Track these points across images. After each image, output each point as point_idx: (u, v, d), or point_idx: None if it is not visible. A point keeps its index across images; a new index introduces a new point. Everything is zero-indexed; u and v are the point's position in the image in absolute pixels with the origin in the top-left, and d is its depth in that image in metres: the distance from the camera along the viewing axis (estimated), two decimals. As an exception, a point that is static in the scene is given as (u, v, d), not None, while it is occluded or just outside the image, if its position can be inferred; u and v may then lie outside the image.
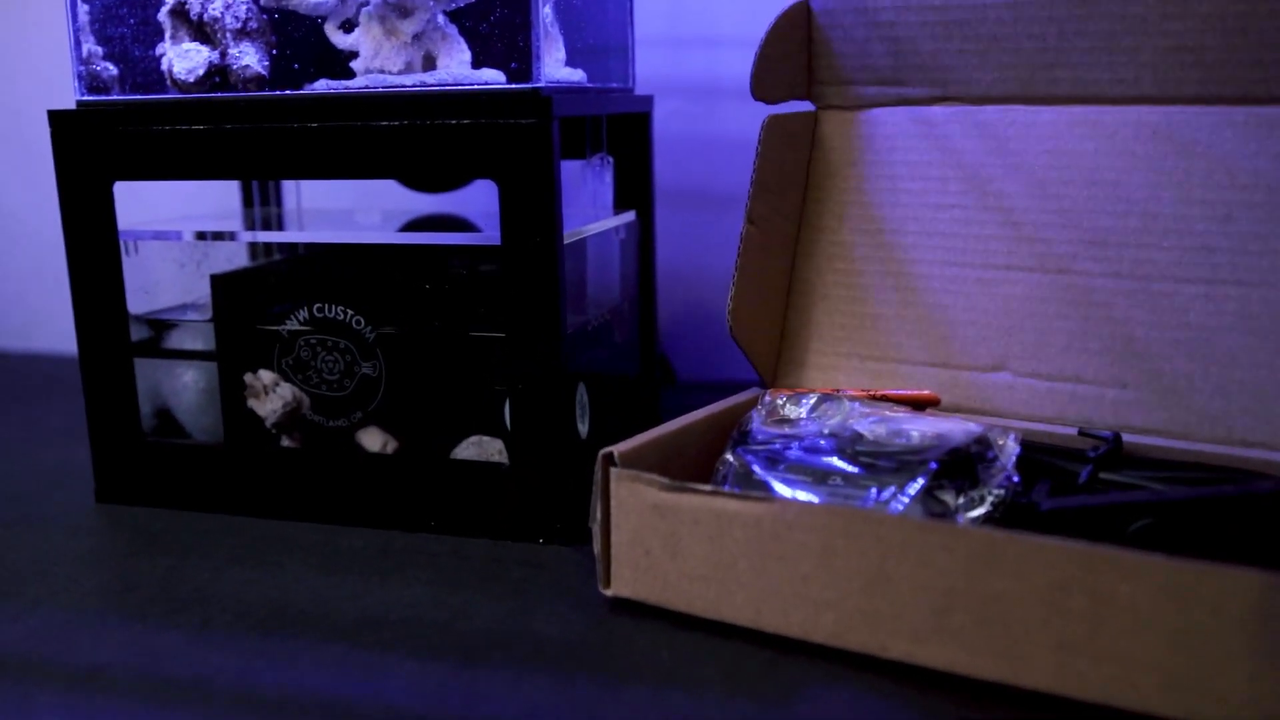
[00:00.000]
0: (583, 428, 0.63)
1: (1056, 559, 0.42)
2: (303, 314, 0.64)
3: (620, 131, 0.72)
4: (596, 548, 0.52)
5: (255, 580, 0.57)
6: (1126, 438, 0.56)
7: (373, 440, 0.65)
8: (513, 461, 0.60)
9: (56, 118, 0.64)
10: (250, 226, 0.76)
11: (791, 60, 0.66)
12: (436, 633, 0.51)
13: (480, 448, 0.64)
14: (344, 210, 0.85)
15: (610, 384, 0.69)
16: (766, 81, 0.65)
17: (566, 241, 0.58)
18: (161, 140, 0.62)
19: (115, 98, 0.65)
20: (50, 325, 1.10)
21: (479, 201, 0.87)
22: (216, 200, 0.94)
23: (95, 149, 0.63)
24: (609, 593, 0.52)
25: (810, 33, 0.67)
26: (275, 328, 0.64)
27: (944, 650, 0.44)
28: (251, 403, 0.65)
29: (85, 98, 0.65)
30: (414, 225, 0.75)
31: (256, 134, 0.61)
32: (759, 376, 0.66)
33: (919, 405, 0.60)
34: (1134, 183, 0.59)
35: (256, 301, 0.65)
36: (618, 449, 0.52)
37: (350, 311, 0.63)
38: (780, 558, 0.47)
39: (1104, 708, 0.42)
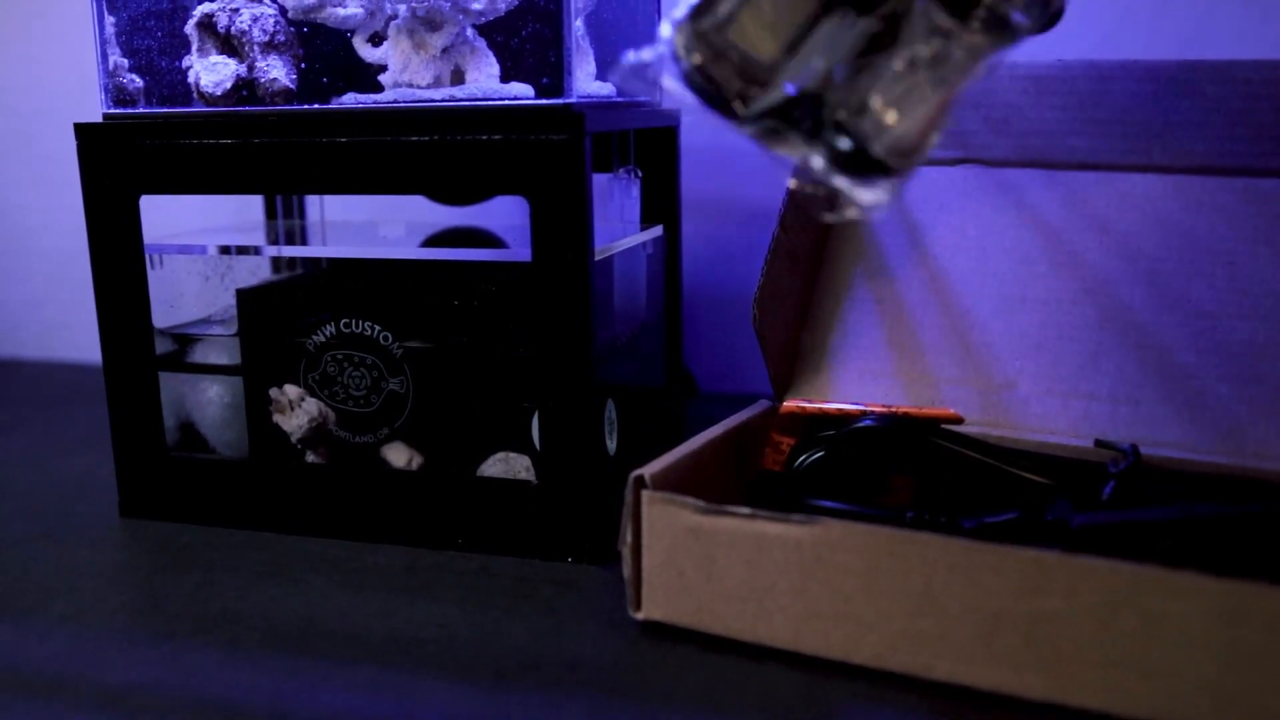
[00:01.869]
0: (611, 444, 0.63)
1: (1107, 579, 0.42)
2: (330, 329, 0.63)
3: (648, 145, 0.72)
4: (626, 571, 0.52)
5: (282, 597, 0.56)
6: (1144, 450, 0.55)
7: (398, 456, 0.65)
8: (541, 479, 0.60)
9: (83, 131, 0.64)
10: (274, 239, 0.76)
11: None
12: (468, 653, 0.50)
13: (507, 464, 0.63)
14: (367, 222, 0.85)
15: (637, 398, 0.69)
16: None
17: (597, 258, 0.58)
18: (188, 154, 0.62)
19: (142, 110, 0.65)
20: (68, 335, 1.10)
21: (502, 214, 0.86)
22: (237, 211, 0.93)
23: (122, 162, 0.63)
24: (640, 616, 0.52)
25: None
26: (301, 341, 0.64)
27: (991, 670, 0.44)
28: (277, 418, 0.65)
29: (112, 110, 0.65)
30: (438, 238, 0.75)
31: (285, 148, 0.60)
32: (770, 376, 0.65)
33: (941, 423, 0.59)
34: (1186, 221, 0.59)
35: (283, 316, 0.65)
36: (648, 471, 0.51)
37: (378, 327, 0.63)
38: (821, 579, 0.47)
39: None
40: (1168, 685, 0.41)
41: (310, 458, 0.66)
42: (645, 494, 0.51)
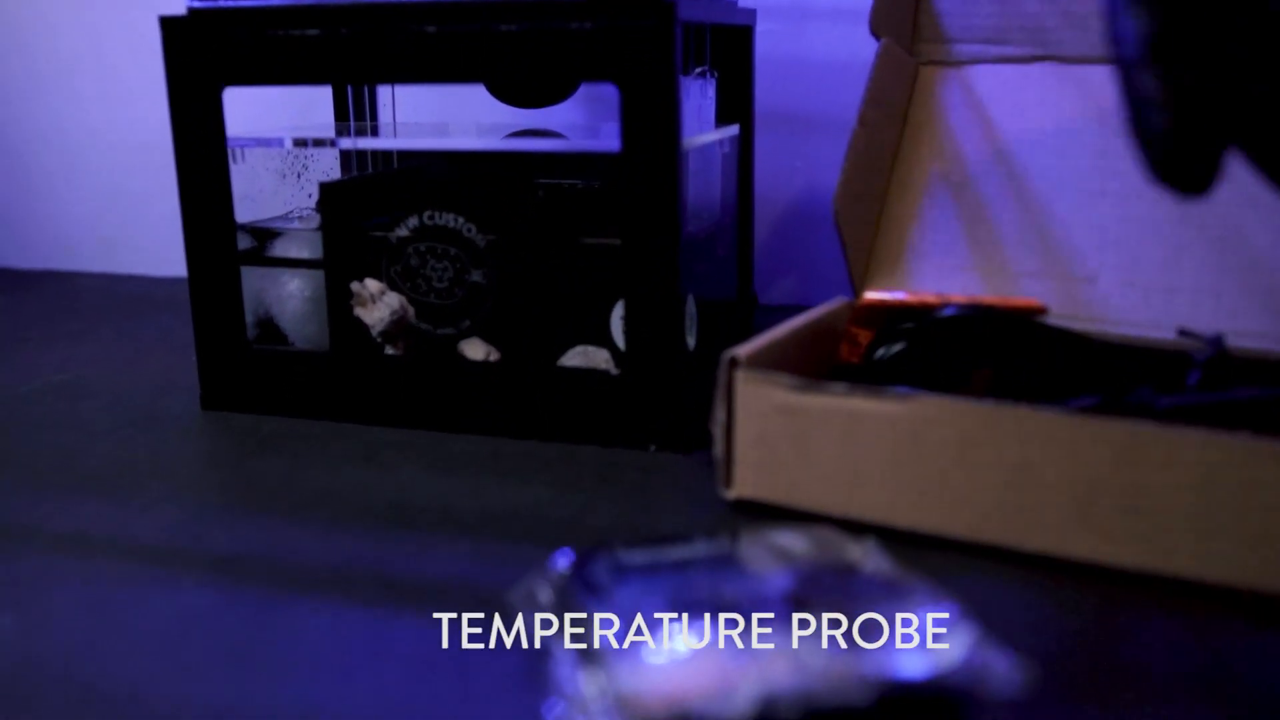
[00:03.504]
0: (691, 340, 0.64)
1: (1204, 448, 0.42)
2: (412, 221, 0.64)
3: (721, 46, 0.72)
4: (718, 451, 0.53)
5: (373, 479, 0.58)
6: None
7: (475, 351, 0.66)
8: (624, 368, 0.61)
9: (168, 24, 0.64)
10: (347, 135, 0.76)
11: (899, 15, 0.68)
12: (564, 527, 0.51)
13: (586, 358, 0.64)
14: (438, 123, 0.85)
15: (710, 299, 0.69)
16: (881, 26, 0.67)
17: (684, 148, 0.58)
18: (274, 45, 0.62)
19: (225, 4, 0.65)
20: (127, 248, 1.11)
21: (565, 117, 0.86)
22: (302, 113, 0.94)
23: (207, 54, 0.64)
24: (731, 495, 0.53)
25: None
26: (384, 235, 0.65)
27: (1085, 541, 0.45)
28: (358, 311, 0.66)
29: (196, 3, 0.65)
30: (513, 136, 0.75)
31: (371, 38, 0.61)
32: (850, 271, 0.66)
33: (1026, 313, 0.60)
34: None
35: (365, 209, 0.65)
36: (742, 351, 0.52)
37: (461, 219, 0.63)
38: (916, 455, 0.48)
39: (1249, 591, 0.43)
40: (1269, 553, 0.42)
41: (389, 350, 0.66)
42: (739, 373, 0.51)
